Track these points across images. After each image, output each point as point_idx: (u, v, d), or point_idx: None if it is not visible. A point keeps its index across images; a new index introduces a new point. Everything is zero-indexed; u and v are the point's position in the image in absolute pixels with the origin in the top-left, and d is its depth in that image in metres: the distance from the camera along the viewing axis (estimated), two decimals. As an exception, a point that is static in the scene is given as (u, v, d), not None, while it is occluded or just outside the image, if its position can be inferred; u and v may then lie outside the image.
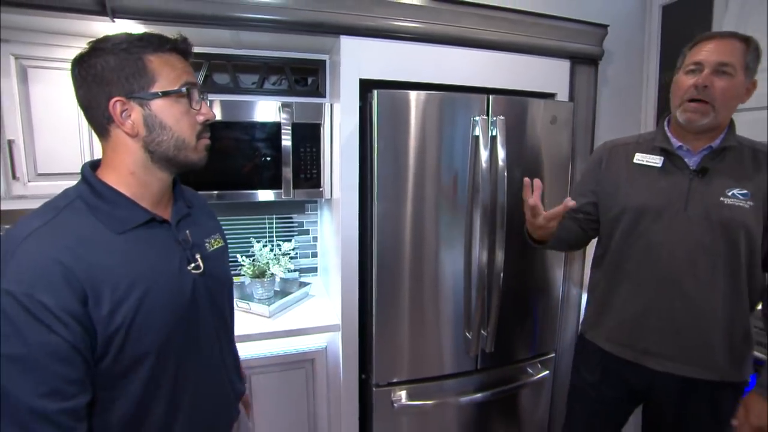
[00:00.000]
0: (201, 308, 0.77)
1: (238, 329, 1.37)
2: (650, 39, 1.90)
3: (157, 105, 0.69)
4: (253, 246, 1.76)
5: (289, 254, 1.76)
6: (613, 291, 1.18)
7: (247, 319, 1.53)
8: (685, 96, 1.04)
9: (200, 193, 1.42)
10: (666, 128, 1.13)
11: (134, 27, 1.29)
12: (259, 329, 1.46)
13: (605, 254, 1.21)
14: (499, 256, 1.44)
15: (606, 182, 1.21)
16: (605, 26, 1.76)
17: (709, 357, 1.07)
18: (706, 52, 1.01)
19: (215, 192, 1.52)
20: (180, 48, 0.72)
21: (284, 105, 1.53)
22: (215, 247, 0.86)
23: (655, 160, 1.12)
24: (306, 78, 1.79)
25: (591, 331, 1.26)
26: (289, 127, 1.54)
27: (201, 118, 0.74)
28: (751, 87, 1.04)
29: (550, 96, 1.67)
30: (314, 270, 2.00)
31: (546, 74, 1.65)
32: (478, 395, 1.54)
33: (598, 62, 1.79)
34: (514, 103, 1.46)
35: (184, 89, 0.70)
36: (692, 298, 1.05)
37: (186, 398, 0.75)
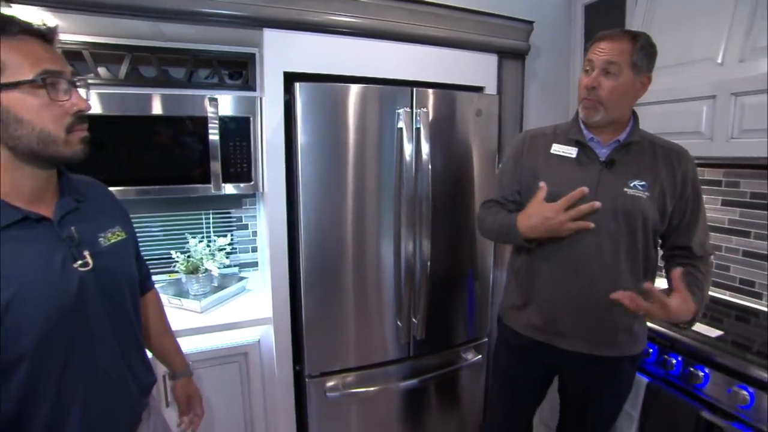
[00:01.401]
0: (91, 306, 0.75)
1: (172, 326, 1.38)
2: (575, 36, 1.98)
3: (8, 97, 0.64)
4: (188, 242, 1.74)
5: (224, 249, 1.75)
6: (531, 277, 1.22)
7: (179, 315, 1.51)
8: (581, 95, 1.11)
9: (123, 189, 1.45)
10: (580, 121, 1.18)
11: (36, 15, 1.23)
12: (190, 325, 1.45)
13: (522, 246, 1.24)
14: (426, 245, 1.48)
15: (525, 170, 1.24)
16: (531, 22, 1.83)
17: (611, 336, 1.15)
18: (597, 52, 1.07)
19: (139, 187, 1.49)
20: (36, 32, 0.67)
21: (211, 99, 1.51)
22: (112, 241, 0.84)
23: (571, 151, 1.16)
24: (241, 72, 1.77)
25: (508, 315, 1.31)
26: (216, 121, 1.52)
27: (73, 109, 0.70)
28: (646, 81, 1.10)
29: (478, 89, 1.73)
30: (255, 265, 1.99)
31: (474, 68, 1.70)
32: (412, 381, 1.59)
33: (525, 57, 1.86)
34: (439, 95, 1.50)
35: (39, 79, 0.65)
36: (597, 282, 1.12)
37: (77, 397, 0.74)
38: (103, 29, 1.43)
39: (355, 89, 1.38)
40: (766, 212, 1.61)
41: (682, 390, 1.32)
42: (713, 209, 1.76)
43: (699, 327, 1.42)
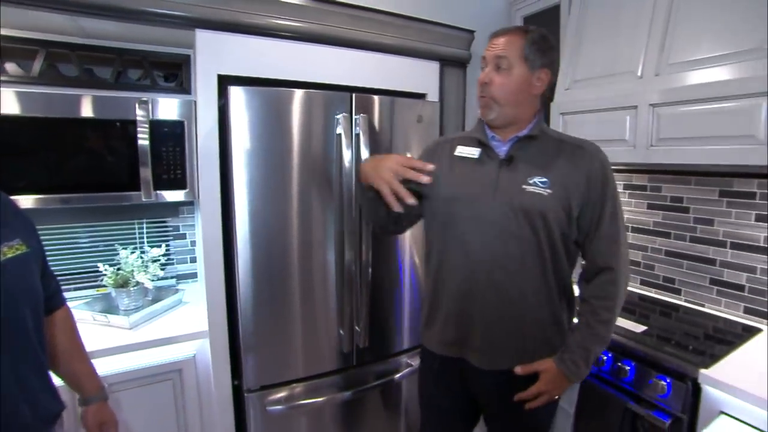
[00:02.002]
0: None
1: (95, 344, 1.28)
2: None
3: None
4: (119, 253, 1.63)
5: (158, 260, 1.65)
6: (439, 289, 1.13)
7: (105, 333, 1.41)
8: (478, 92, 1.06)
9: (44, 197, 1.34)
10: (484, 123, 1.12)
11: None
12: (117, 342, 1.35)
13: (431, 252, 1.16)
14: (366, 252, 1.47)
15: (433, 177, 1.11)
16: (473, 32, 1.88)
17: (522, 348, 1.06)
18: (490, 49, 1.03)
19: (62, 195, 1.38)
20: None
21: (141, 102, 1.43)
22: (9, 255, 0.77)
23: (473, 152, 1.09)
24: (176, 74, 1.69)
25: (423, 335, 1.21)
26: (146, 125, 1.44)
27: None
28: (544, 77, 1.04)
29: (420, 96, 1.75)
30: (194, 276, 1.90)
31: (416, 75, 1.72)
32: (356, 390, 1.57)
33: (467, 65, 1.91)
34: (380, 101, 1.50)
35: None
36: (503, 289, 1.03)
37: None
38: (11, 21, 1.31)
39: (291, 94, 1.35)
40: (683, 214, 1.73)
41: (612, 384, 1.38)
42: (640, 212, 1.88)
43: (626, 323, 1.51)
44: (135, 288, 1.56)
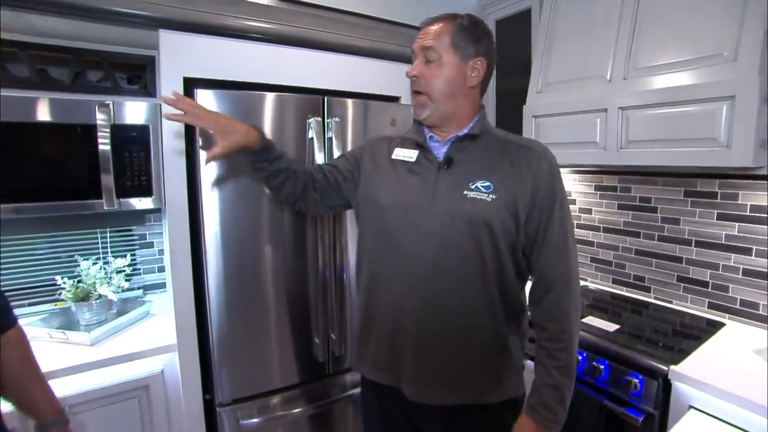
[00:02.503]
0: None
1: (52, 364, 1.21)
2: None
3: None
4: (79, 265, 1.54)
5: (123, 271, 1.57)
6: (371, 305, 1.00)
7: (64, 350, 1.33)
8: (411, 87, 0.96)
9: None
10: (421, 125, 1.01)
11: None
12: (78, 360, 1.27)
13: (361, 262, 1.04)
14: (340, 256, 1.44)
15: (363, 174, 1.06)
16: (446, 35, 1.87)
17: (462, 378, 0.93)
18: (419, 39, 0.94)
19: (15, 204, 1.29)
20: None
21: (101, 105, 1.35)
22: None
23: (411, 155, 0.98)
24: (140, 76, 1.62)
25: (355, 359, 1.08)
26: (107, 129, 1.37)
27: None
28: (479, 66, 0.94)
29: (393, 99, 1.73)
30: (163, 286, 1.82)
31: (389, 78, 1.70)
32: (333, 400, 1.53)
33: (440, 68, 1.90)
34: (353, 105, 1.47)
35: None
36: (441, 306, 0.91)
37: None
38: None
39: (261, 97, 1.31)
40: (651, 214, 1.78)
41: (587, 384, 1.40)
42: (611, 213, 1.92)
43: (600, 323, 1.53)
44: (97, 301, 1.48)
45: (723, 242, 1.59)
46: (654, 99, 1.33)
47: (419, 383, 0.94)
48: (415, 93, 0.96)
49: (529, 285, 0.99)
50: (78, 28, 1.29)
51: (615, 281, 1.94)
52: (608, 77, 1.49)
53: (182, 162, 1.33)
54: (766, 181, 1.47)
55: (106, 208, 1.39)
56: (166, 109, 1.07)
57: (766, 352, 1.31)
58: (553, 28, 1.73)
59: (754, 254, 1.52)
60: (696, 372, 1.21)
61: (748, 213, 1.52)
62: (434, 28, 0.93)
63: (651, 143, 1.35)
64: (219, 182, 1.28)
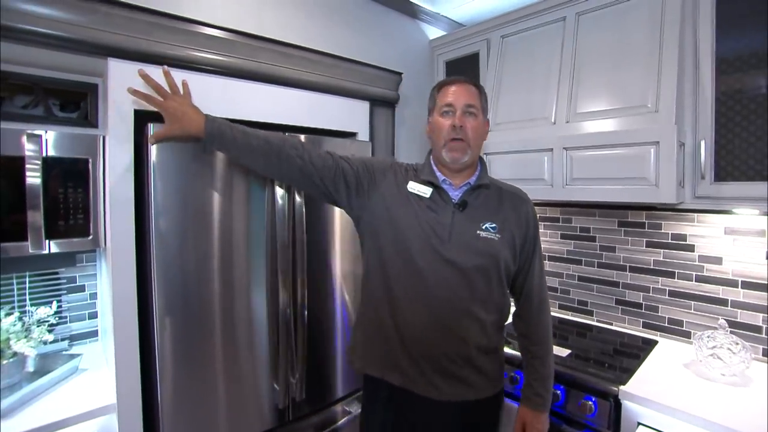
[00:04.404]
0: None
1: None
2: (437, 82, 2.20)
3: None
4: (-10, 317, 1.32)
5: (48, 321, 1.38)
6: (393, 317, 1.14)
7: (-33, 424, 1.11)
8: (447, 136, 1.12)
9: None
10: (432, 164, 1.19)
11: None
12: (-16, 437, 1.06)
13: (372, 277, 1.17)
14: (302, 294, 1.39)
15: (378, 190, 1.17)
16: (400, 73, 1.96)
17: (469, 378, 1.12)
18: (453, 95, 1.13)
19: None
20: None
21: (30, 135, 1.21)
22: None
23: (425, 191, 1.15)
24: (78, 103, 1.47)
25: (366, 361, 1.20)
26: (39, 162, 1.22)
27: None
28: (487, 126, 1.22)
29: (351, 135, 1.75)
30: (94, 335, 1.62)
31: (347, 114, 1.73)
32: (296, 449, 1.44)
33: (395, 105, 1.97)
34: (313, 141, 1.46)
35: None
36: (459, 323, 1.10)
37: None
38: None
39: (222, 132, 1.25)
40: (591, 243, 1.95)
41: (546, 410, 1.45)
42: (555, 242, 2.07)
43: (554, 349, 1.61)
44: (11, 361, 1.26)
45: (652, 267, 1.77)
46: (593, 141, 1.48)
47: (437, 386, 1.10)
48: (457, 140, 1.12)
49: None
50: (9, 51, 1.16)
51: (561, 306, 2.07)
52: (553, 120, 1.64)
53: (130, 203, 1.22)
54: (682, 213, 1.68)
55: (31, 251, 1.22)
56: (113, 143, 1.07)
57: (692, 366, 1.46)
58: (501, 72, 1.87)
59: (676, 277, 1.71)
60: (642, 390, 1.31)
61: (670, 240, 1.72)
62: (468, 89, 1.14)
63: (593, 181, 1.49)
64: (170, 225, 1.19)
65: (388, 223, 1.14)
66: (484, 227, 1.12)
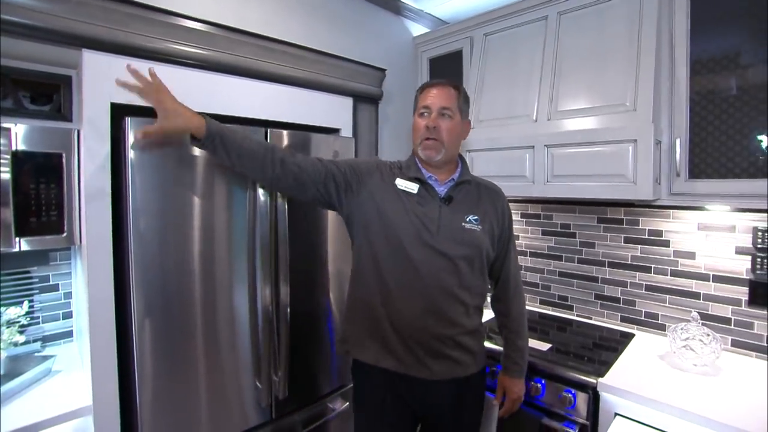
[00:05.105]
0: None
1: None
2: (420, 84, 2.20)
3: None
4: (-43, 318, 1.27)
5: (18, 322, 1.33)
6: (387, 307, 1.19)
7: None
8: (422, 135, 1.20)
9: None
10: (417, 161, 1.26)
11: None
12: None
13: (364, 270, 1.22)
14: (284, 291, 1.38)
15: (366, 188, 1.22)
16: (384, 70, 1.95)
17: (459, 358, 1.20)
18: (431, 98, 1.20)
19: None
20: None
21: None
22: None
23: (413, 187, 1.22)
24: (51, 96, 1.42)
25: (362, 349, 1.24)
26: (8, 157, 1.17)
27: None
28: (467, 126, 1.29)
29: (334, 131, 1.74)
30: (68, 335, 1.57)
31: (330, 110, 1.72)
32: (280, 446, 1.43)
33: (379, 101, 1.97)
34: (296, 136, 1.45)
35: None
36: (450, 308, 1.18)
37: None
38: None
39: (202, 126, 1.23)
40: (571, 239, 1.99)
41: (527, 403, 1.48)
42: (536, 238, 2.10)
43: (534, 343, 1.64)
44: (-18, 362, 1.22)
45: (630, 262, 1.82)
46: (574, 139, 1.50)
47: (431, 366, 1.18)
48: (431, 140, 1.19)
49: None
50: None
51: (542, 302, 2.10)
52: (534, 117, 1.66)
53: (107, 199, 1.18)
54: (658, 210, 1.73)
55: (1, 248, 1.18)
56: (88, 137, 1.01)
57: (666, 357, 1.51)
58: (484, 70, 1.89)
59: (653, 272, 1.76)
60: (618, 382, 1.35)
61: (647, 236, 1.77)
62: (446, 92, 1.21)
63: (573, 177, 1.52)
64: (148, 219, 1.16)
65: (378, 219, 1.19)
66: (467, 219, 1.21)
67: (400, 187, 1.22)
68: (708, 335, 1.41)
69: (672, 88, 1.44)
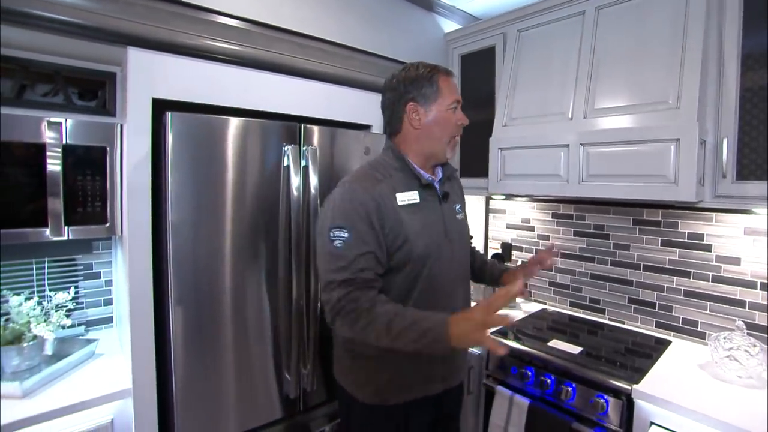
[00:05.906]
0: None
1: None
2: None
3: None
4: (8, 301, 1.34)
5: (66, 306, 1.40)
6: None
7: (-11, 405, 1.13)
8: (453, 133, 1.11)
9: None
10: (412, 166, 1.10)
11: None
12: (6, 418, 1.09)
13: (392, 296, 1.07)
14: (314, 286, 1.40)
15: (387, 232, 1.03)
16: (414, 67, 1.94)
17: (461, 364, 1.25)
18: (455, 90, 1.11)
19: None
20: None
21: (51, 123, 1.23)
22: None
23: (414, 197, 1.08)
24: (96, 92, 1.49)
25: (385, 392, 1.10)
26: (59, 150, 1.24)
27: None
28: None
29: (366, 127, 1.74)
30: (109, 321, 1.64)
31: (362, 106, 1.72)
32: (307, 438, 1.45)
33: (410, 99, 1.96)
34: (328, 133, 1.46)
35: None
36: (462, 305, 1.18)
37: None
38: None
39: (237, 122, 1.26)
40: (604, 241, 1.93)
41: (556, 407, 1.45)
42: (568, 239, 2.05)
43: (563, 345, 1.60)
44: (31, 344, 1.29)
45: (667, 266, 1.74)
46: (611, 137, 1.45)
47: (454, 373, 1.20)
48: (456, 137, 1.14)
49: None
50: (31, 39, 1.17)
51: (572, 304, 2.05)
52: (570, 115, 1.61)
53: (147, 190, 1.23)
54: (700, 212, 1.65)
55: (52, 237, 1.24)
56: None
57: (707, 367, 1.44)
58: (517, 67, 1.85)
59: (692, 277, 1.68)
60: (655, 390, 1.29)
61: (686, 240, 1.70)
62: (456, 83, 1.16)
63: (609, 177, 1.47)
64: (187, 211, 1.20)
65: (401, 250, 1.04)
66: (457, 209, 1.22)
67: (402, 203, 1.06)
68: (755, 346, 1.34)
69: (719, 84, 1.37)
